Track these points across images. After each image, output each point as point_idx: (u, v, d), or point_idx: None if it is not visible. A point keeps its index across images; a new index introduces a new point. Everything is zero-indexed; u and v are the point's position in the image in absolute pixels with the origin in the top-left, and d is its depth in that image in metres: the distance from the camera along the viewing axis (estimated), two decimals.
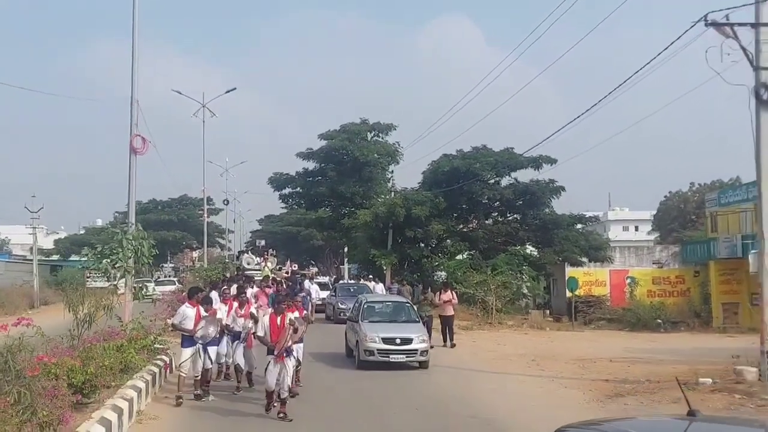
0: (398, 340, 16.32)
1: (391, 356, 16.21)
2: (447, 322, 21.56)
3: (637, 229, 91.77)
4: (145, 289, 16.63)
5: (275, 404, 11.36)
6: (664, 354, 18.70)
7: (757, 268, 14.03)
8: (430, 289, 24.18)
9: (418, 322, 17.84)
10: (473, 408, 12.20)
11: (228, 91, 41.49)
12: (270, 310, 12.43)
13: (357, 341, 16.88)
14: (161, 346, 14.28)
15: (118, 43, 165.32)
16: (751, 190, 32.28)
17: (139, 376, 11.92)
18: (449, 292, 22.62)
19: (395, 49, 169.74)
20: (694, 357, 17.15)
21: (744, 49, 13.14)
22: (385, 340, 16.26)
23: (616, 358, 17.79)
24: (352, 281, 37.06)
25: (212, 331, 12.45)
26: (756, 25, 13.22)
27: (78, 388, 9.27)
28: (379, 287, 32.48)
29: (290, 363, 11.53)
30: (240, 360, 13.45)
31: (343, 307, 27.06)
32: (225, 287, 16.66)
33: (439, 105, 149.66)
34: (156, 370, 13.12)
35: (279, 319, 11.61)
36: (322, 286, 34.39)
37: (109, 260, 14.40)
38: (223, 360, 13.93)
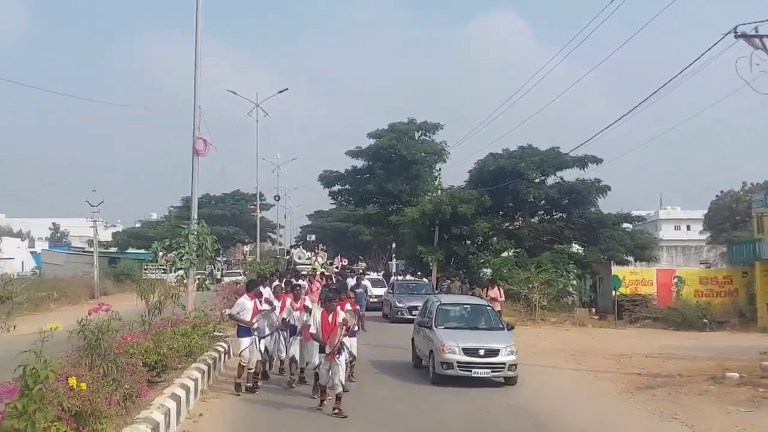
0: (482, 352, 13.96)
1: (473, 371, 13.76)
2: None
3: (689, 228, 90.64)
4: (208, 280, 17.86)
5: (329, 399, 11.36)
6: (701, 351, 19.15)
7: None
8: (476, 286, 23.81)
9: (503, 329, 15.38)
10: (511, 396, 13.04)
11: (280, 92, 42.86)
12: (319, 308, 12.42)
13: (431, 351, 14.36)
14: (220, 334, 15.39)
15: (171, 40, 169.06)
16: None
17: (202, 359, 13.04)
18: (496, 288, 22.87)
19: (443, 44, 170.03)
20: (730, 354, 17.55)
21: None
22: (467, 351, 13.87)
23: (651, 354, 18.38)
24: (410, 278, 35.31)
25: (268, 324, 12.74)
26: None
27: (151, 367, 10.43)
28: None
29: (342, 360, 11.50)
30: (296, 353, 13.47)
31: (400, 305, 26.02)
32: (277, 282, 16.22)
33: (486, 98, 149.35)
34: (216, 355, 14.22)
35: (330, 316, 11.59)
36: (375, 283, 32.14)
37: (176, 253, 15.66)
38: (276, 354, 13.94)
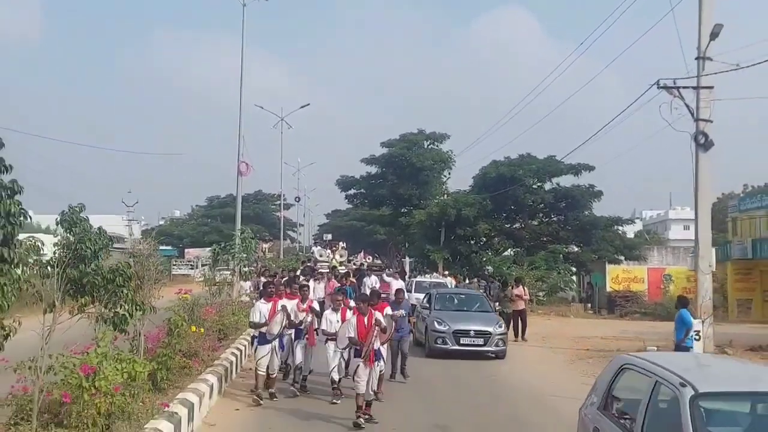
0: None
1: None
2: (518, 317, 22.19)
3: None
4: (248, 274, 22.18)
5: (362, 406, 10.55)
6: (653, 335, 23.06)
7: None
8: (510, 287, 23.30)
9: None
10: (478, 363, 17.22)
11: (302, 107, 47.50)
12: (333, 311, 12.30)
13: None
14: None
15: (183, 38, 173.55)
16: (763, 198, 36.35)
17: (245, 335, 17.16)
18: (521, 287, 23.30)
19: (452, 41, 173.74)
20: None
21: (687, 106, 17.76)
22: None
23: (607, 337, 22.49)
24: (458, 288, 28.16)
25: (277, 327, 11.92)
26: (696, 88, 17.82)
27: (218, 332, 14.77)
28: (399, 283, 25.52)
29: (379, 367, 11.18)
30: (299, 358, 12.61)
31: (442, 329, 17.42)
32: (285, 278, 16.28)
33: (498, 98, 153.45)
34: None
35: (366, 319, 10.93)
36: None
37: (230, 254, 20.07)
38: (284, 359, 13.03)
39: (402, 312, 14.10)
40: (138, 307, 7.69)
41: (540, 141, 78.66)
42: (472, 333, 17.38)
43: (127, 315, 7.65)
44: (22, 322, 6.58)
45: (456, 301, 20.06)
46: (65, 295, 6.89)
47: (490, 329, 17.46)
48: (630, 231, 78.28)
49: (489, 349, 17.36)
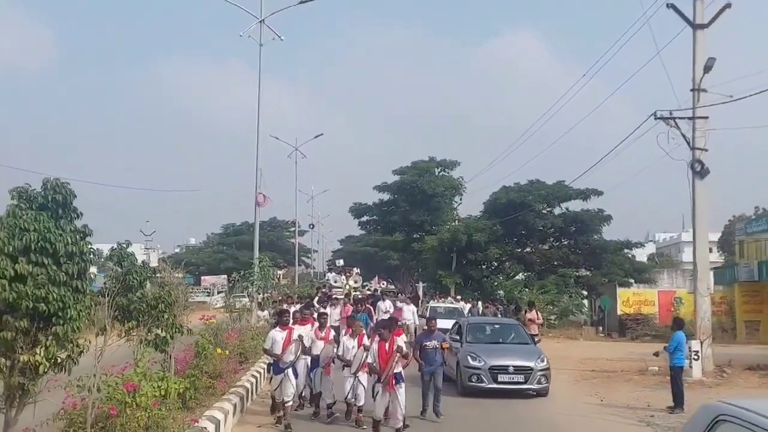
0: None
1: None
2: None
3: (711, 251, 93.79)
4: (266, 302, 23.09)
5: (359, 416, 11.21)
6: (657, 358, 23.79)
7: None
8: (524, 311, 23.10)
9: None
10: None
11: (316, 136, 48.79)
12: (351, 337, 12.33)
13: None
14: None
15: (193, 63, 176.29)
16: None
17: (263, 359, 18.03)
18: (534, 311, 23.30)
19: (460, 65, 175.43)
20: None
21: (683, 136, 18.63)
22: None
23: (613, 359, 23.13)
24: (493, 318, 25.50)
25: (290, 357, 12.07)
26: (692, 119, 18.70)
27: (238, 356, 15.65)
28: (411, 308, 27.25)
29: (401, 390, 11.02)
30: (318, 387, 12.76)
31: (477, 365, 15.59)
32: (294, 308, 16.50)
33: (510, 118, 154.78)
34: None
35: (387, 345, 11.11)
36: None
37: (249, 281, 21.05)
38: (301, 388, 13.12)
39: (435, 343, 13.31)
40: (178, 330, 8.62)
41: (550, 165, 79.98)
42: (510, 369, 15.39)
43: (168, 337, 8.57)
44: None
45: (489, 331, 18.24)
46: (114, 320, 7.83)
47: (531, 364, 15.48)
48: (643, 254, 78.84)
49: (530, 387, 15.40)
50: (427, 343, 13.18)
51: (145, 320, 8.31)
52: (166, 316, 8.39)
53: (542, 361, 15.71)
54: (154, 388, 8.41)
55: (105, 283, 7.93)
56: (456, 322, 19.07)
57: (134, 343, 8.67)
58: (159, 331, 8.52)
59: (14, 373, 5.82)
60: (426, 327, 13.97)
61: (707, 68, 18.64)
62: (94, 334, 7.44)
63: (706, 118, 18.87)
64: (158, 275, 9.62)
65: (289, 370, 11.89)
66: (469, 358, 15.66)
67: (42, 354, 5.79)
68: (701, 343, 18.48)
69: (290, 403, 12.02)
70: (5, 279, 5.46)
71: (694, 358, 17.84)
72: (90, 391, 7.25)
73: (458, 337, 16.94)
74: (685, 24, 19.13)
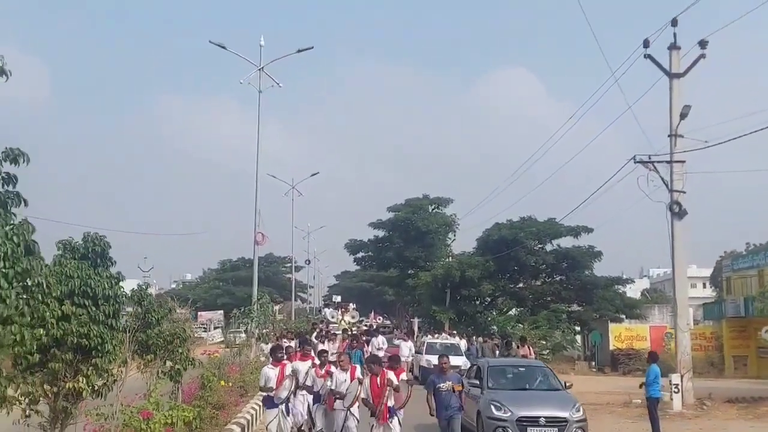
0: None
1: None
2: None
3: (704, 286, 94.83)
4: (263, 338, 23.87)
5: None
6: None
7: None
8: (516, 347, 22.81)
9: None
10: None
11: (312, 175, 50.03)
12: (343, 371, 12.09)
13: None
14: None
15: (186, 101, 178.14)
16: (754, 258, 38.00)
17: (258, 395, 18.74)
18: (526, 347, 23.14)
19: (451, 103, 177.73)
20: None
21: (662, 178, 19.66)
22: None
23: (601, 392, 23.85)
24: (517, 358, 22.02)
25: (284, 392, 12.21)
26: (670, 162, 19.74)
27: (239, 389, 16.42)
28: (408, 345, 27.17)
29: (395, 424, 10.97)
30: (320, 425, 12.52)
31: (502, 417, 13.43)
32: (287, 344, 16.43)
33: (502, 155, 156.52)
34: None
35: (379, 379, 11.06)
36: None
37: (248, 317, 21.87)
38: (300, 421, 13.36)
39: (449, 384, 11.95)
40: (191, 363, 9.50)
41: (542, 201, 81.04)
42: (542, 421, 13.12)
43: (182, 369, 9.43)
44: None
45: (512, 375, 15.58)
46: (134, 354, 8.70)
47: (565, 414, 13.24)
48: (637, 289, 79.46)
49: None
50: (441, 385, 11.88)
51: (162, 354, 9.19)
52: (180, 350, 9.26)
53: (578, 410, 13.57)
54: (165, 416, 9.23)
55: (126, 321, 8.82)
56: (474, 365, 17.27)
57: (149, 375, 9.51)
58: (173, 364, 9.37)
59: (59, 398, 6.69)
60: (436, 365, 12.75)
61: (683, 115, 19.71)
62: (116, 366, 8.29)
63: (683, 162, 19.89)
64: (172, 313, 10.48)
65: (283, 406, 12.00)
66: (492, 407, 13.49)
67: (84, 382, 6.69)
68: (681, 376, 19.29)
69: None
70: (54, 318, 6.41)
71: (674, 391, 18.63)
72: (112, 418, 8.07)
73: (477, 382, 14.92)
74: (662, 73, 20.27)
